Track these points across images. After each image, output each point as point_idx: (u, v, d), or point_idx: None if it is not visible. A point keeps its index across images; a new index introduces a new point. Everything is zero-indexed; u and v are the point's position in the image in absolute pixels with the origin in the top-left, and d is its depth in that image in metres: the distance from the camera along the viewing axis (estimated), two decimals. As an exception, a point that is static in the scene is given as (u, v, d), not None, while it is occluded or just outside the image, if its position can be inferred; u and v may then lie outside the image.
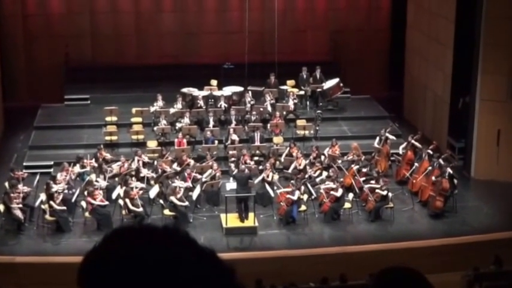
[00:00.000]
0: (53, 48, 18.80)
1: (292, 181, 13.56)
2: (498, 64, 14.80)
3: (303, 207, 13.42)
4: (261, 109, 16.72)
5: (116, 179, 14.11)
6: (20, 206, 12.83)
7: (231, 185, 13.47)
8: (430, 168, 14.12)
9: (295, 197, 13.14)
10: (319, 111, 17.08)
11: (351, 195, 13.67)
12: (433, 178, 13.74)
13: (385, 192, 13.41)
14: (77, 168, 14.25)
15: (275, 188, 13.84)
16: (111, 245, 1.24)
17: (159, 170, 14.29)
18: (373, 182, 13.80)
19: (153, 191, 13.63)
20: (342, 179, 13.97)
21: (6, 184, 13.31)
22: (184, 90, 17.30)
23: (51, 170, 14.90)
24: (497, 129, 15.13)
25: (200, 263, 1.24)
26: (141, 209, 13.02)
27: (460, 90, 15.97)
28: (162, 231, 1.26)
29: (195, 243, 1.27)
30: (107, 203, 13.16)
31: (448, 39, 16.09)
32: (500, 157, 15.20)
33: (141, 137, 16.02)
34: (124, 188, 13.29)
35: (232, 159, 14.96)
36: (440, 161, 14.12)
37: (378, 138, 15.50)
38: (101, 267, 1.21)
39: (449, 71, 16.14)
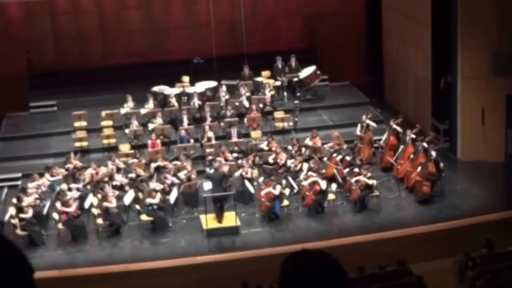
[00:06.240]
0: (14, 54, 18.06)
1: (272, 177, 12.99)
2: (478, 39, 14.32)
3: (286, 202, 12.89)
4: (237, 103, 16.11)
5: (88, 187, 13.49)
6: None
7: (208, 184, 12.90)
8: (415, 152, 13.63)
9: (276, 192, 12.58)
10: (297, 101, 16.49)
11: (334, 186, 13.13)
12: (419, 163, 13.23)
13: (370, 181, 12.87)
14: (47, 178, 13.61)
15: (255, 184, 13.29)
16: None
17: (133, 174, 13.68)
18: (356, 170, 13.26)
19: (128, 197, 13.05)
20: (323, 170, 13.42)
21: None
22: (155, 89, 16.64)
23: (20, 182, 14.28)
24: (481, 108, 14.66)
25: None
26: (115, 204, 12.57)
27: (441, 69, 15.50)
28: None
29: None
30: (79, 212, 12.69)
31: (425, 17, 15.62)
32: (486, 136, 14.74)
33: (112, 141, 15.41)
34: (98, 195, 12.72)
35: (210, 157, 14.36)
36: (424, 144, 13.62)
37: (359, 125, 14.99)
38: None
39: (429, 50, 15.66)
